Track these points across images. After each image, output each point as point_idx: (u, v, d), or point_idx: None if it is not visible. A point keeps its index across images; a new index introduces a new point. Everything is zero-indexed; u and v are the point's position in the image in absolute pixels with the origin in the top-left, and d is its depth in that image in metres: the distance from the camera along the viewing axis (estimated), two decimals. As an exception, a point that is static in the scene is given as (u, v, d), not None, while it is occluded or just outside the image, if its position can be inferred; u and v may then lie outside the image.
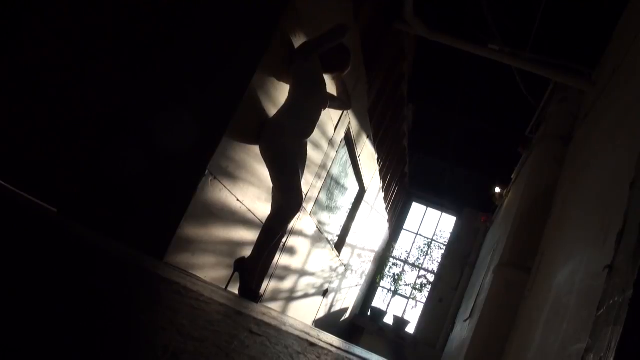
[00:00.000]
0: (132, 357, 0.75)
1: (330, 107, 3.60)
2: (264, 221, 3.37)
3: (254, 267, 2.98)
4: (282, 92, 3.28)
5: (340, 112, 4.58)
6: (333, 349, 1.88)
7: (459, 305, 9.46)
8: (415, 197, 11.89)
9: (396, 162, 9.00)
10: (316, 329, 3.75)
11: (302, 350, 1.38)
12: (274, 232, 3.03)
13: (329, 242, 6.00)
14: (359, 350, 3.19)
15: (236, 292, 3.02)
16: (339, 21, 4.11)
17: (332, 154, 4.86)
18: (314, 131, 3.33)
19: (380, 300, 11.15)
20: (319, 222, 5.41)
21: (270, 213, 3.11)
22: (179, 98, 2.93)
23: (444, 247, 11.28)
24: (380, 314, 10.38)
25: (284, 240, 3.91)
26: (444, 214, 11.75)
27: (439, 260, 11.16)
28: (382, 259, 10.89)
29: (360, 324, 10.17)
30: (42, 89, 2.73)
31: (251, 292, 2.91)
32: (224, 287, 3.11)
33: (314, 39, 3.28)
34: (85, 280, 1.09)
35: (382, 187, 8.29)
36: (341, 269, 7.26)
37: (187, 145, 2.77)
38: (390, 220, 10.22)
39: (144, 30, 2.99)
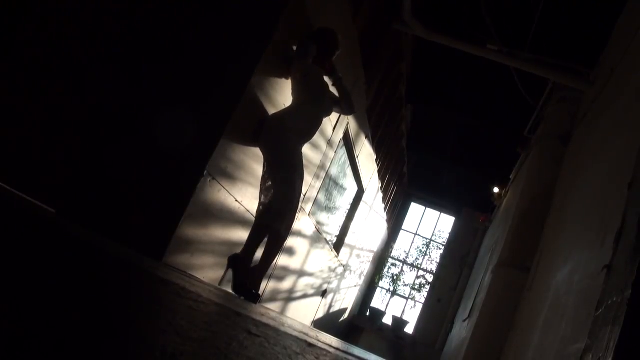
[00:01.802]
0: (131, 358, 0.75)
1: (334, 110, 3.58)
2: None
3: (246, 260, 2.97)
4: (281, 93, 3.28)
5: (339, 115, 4.58)
6: (332, 350, 1.88)
7: (458, 305, 9.46)
8: (414, 197, 11.89)
9: (395, 163, 9.01)
10: (315, 329, 3.75)
11: (300, 351, 1.38)
12: (264, 227, 3.00)
13: (327, 242, 6.00)
14: (357, 351, 3.19)
15: (230, 289, 3.01)
16: (338, 22, 4.11)
17: (331, 154, 4.86)
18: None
19: (379, 301, 11.15)
20: (318, 223, 5.41)
21: (263, 208, 3.09)
22: (178, 99, 2.93)
23: (443, 247, 11.28)
24: (379, 314, 10.37)
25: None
26: (442, 214, 11.75)
27: (438, 260, 11.16)
28: (381, 259, 10.89)
29: (359, 324, 10.16)
30: (41, 89, 2.72)
31: (244, 287, 2.90)
32: (220, 286, 3.10)
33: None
34: (84, 281, 1.09)
35: (381, 188, 8.29)
36: (340, 270, 7.26)
37: (186, 146, 2.77)
38: (389, 221, 10.22)
39: (144, 31, 2.98)
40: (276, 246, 3.10)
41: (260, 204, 3.12)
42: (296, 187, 3.09)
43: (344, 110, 3.68)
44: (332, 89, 3.52)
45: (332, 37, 3.38)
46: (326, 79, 3.44)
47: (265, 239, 3.07)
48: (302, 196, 3.29)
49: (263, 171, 3.16)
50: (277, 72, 3.19)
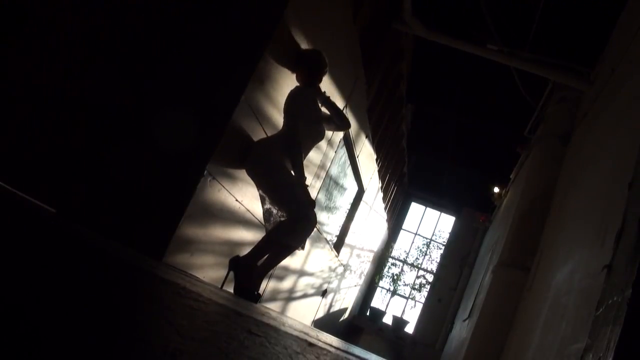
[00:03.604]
0: (131, 358, 0.74)
1: (328, 129, 3.50)
2: (262, 221, 3.35)
3: (249, 267, 2.96)
4: (281, 93, 3.28)
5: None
6: (332, 349, 1.88)
7: (458, 305, 9.46)
8: (414, 197, 11.89)
9: (395, 162, 9.01)
10: (315, 329, 3.74)
11: (301, 351, 1.38)
12: (274, 241, 2.98)
13: (328, 242, 6.00)
14: (358, 350, 3.18)
15: (232, 291, 3.01)
16: (339, 21, 4.11)
17: (331, 154, 4.86)
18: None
19: (379, 300, 11.15)
20: (318, 222, 5.40)
21: (275, 225, 3.07)
22: (178, 99, 2.93)
23: (443, 247, 11.29)
24: (379, 314, 10.38)
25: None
26: (442, 213, 11.75)
27: (438, 260, 11.16)
28: (381, 259, 10.89)
29: (360, 324, 10.16)
30: (41, 89, 2.72)
31: (246, 290, 2.90)
32: (220, 286, 3.10)
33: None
34: (84, 280, 1.09)
35: (381, 187, 8.29)
36: (340, 269, 7.26)
37: (186, 145, 2.77)
38: (389, 220, 10.22)
39: (144, 32, 2.98)
40: (284, 254, 3.08)
41: (272, 217, 3.09)
42: (304, 202, 3.01)
43: (338, 127, 3.55)
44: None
45: (319, 58, 3.31)
46: None
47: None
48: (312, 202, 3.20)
49: (259, 192, 3.14)
50: (277, 72, 3.19)
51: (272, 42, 2.99)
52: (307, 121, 3.16)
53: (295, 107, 3.16)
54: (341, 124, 3.49)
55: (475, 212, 10.50)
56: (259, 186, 3.13)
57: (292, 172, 3.08)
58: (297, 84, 3.31)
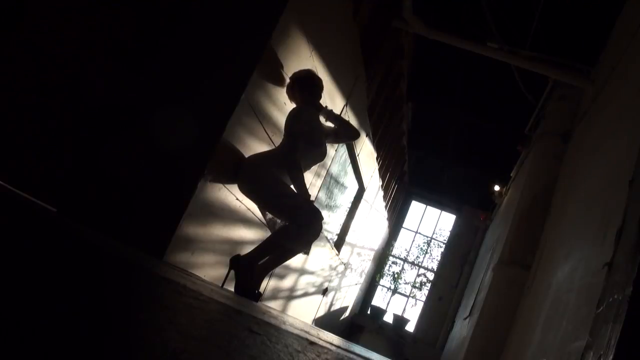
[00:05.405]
0: (131, 357, 0.74)
1: (338, 142, 3.43)
2: (263, 220, 3.35)
3: (250, 265, 2.96)
4: (281, 92, 3.28)
5: (339, 113, 4.58)
6: (333, 348, 1.88)
7: (459, 304, 9.46)
8: (414, 195, 11.88)
9: (395, 161, 9.00)
10: (316, 327, 3.74)
11: (302, 349, 1.38)
12: (277, 244, 2.98)
13: (328, 240, 6.00)
14: (358, 349, 3.19)
15: (232, 290, 3.01)
16: (339, 20, 4.10)
17: (332, 152, 4.85)
18: None
19: (379, 299, 11.15)
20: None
21: (279, 229, 3.06)
22: (178, 97, 2.93)
23: (444, 246, 11.29)
24: (379, 312, 10.38)
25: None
26: (443, 212, 11.75)
27: (439, 258, 11.16)
28: (382, 257, 10.89)
29: (360, 322, 10.17)
30: (41, 88, 2.72)
31: (247, 289, 2.90)
32: (220, 285, 3.10)
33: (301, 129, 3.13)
34: (85, 279, 1.09)
35: (382, 186, 8.29)
36: (341, 268, 7.27)
37: (187, 144, 2.77)
38: (389, 219, 10.22)
39: (145, 30, 2.98)
40: (287, 257, 3.07)
41: (276, 225, 3.07)
42: (307, 209, 2.98)
43: (348, 137, 3.52)
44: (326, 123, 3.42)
45: (311, 78, 3.27)
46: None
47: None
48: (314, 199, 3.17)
49: (258, 206, 3.12)
50: (277, 71, 3.19)
51: (273, 41, 2.98)
52: (309, 141, 3.11)
53: (295, 127, 3.11)
54: (350, 134, 3.47)
55: (475, 210, 10.50)
56: (255, 202, 3.11)
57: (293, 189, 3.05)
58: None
